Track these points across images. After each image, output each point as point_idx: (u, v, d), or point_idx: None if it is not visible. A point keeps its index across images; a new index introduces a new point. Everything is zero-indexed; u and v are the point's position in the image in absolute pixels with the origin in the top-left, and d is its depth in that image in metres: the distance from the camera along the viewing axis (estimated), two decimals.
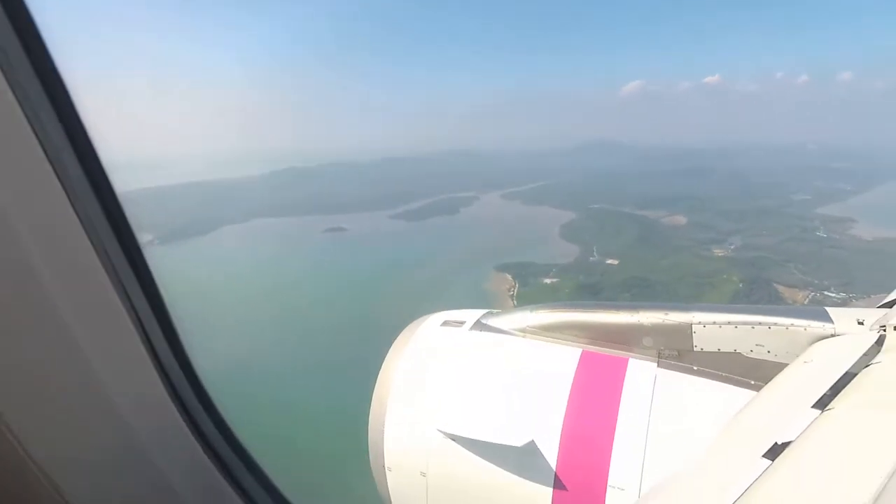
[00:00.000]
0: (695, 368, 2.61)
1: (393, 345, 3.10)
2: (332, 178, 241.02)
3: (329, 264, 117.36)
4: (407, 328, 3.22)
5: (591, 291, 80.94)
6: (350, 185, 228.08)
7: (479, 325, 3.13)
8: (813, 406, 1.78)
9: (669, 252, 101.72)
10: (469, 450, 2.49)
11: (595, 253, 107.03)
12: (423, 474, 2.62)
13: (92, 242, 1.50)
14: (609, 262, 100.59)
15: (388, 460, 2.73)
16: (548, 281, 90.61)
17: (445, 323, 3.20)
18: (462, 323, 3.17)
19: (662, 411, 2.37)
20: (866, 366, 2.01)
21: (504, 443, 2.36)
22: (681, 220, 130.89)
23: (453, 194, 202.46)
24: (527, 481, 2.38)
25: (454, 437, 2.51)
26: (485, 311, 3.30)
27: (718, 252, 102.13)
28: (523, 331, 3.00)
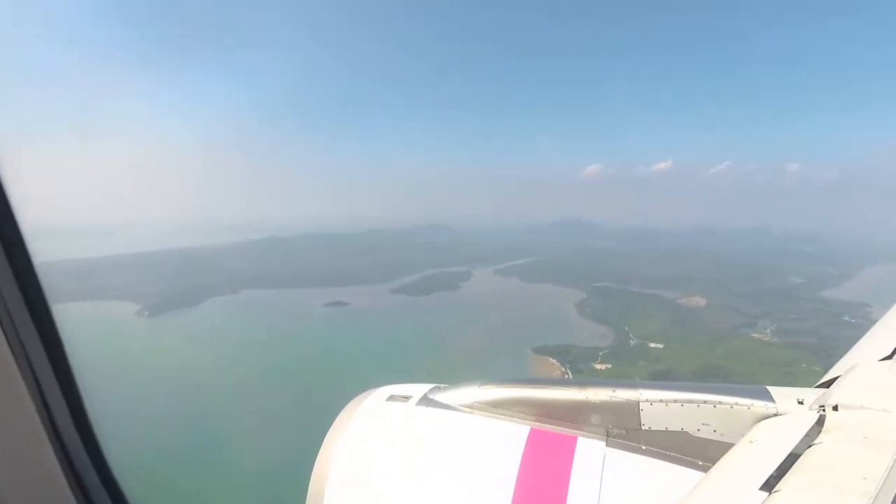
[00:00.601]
0: (643, 448, 2.59)
1: (335, 421, 2.97)
2: (314, 250, 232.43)
3: (340, 342, 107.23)
4: (351, 403, 3.10)
5: (662, 379, 74.94)
6: (335, 256, 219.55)
7: (425, 401, 3.04)
8: (760, 488, 1.80)
9: (711, 336, 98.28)
10: None
11: (632, 335, 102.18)
12: None
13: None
14: (653, 345, 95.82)
15: None
16: (599, 367, 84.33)
17: (391, 397, 3.11)
18: (408, 398, 3.08)
19: (612, 493, 2.32)
20: (809, 446, 2.04)
21: None
22: (700, 301, 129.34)
23: (444, 269, 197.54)
24: None
25: None
26: (431, 385, 3.20)
27: (761, 336, 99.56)
28: (470, 407, 2.93)
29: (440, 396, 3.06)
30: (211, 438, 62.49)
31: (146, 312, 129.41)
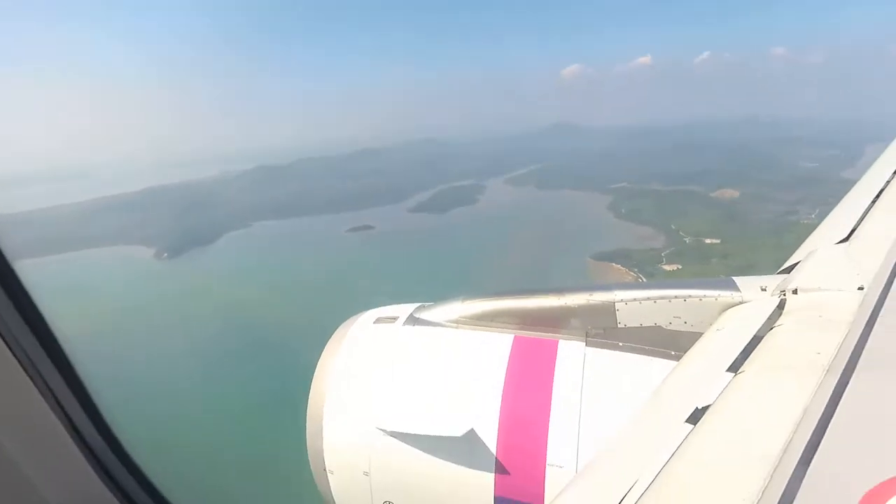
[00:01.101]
0: (620, 344, 2.71)
1: (326, 347, 3.04)
2: (310, 175, 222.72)
3: (379, 268, 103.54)
4: (339, 329, 3.16)
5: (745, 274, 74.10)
6: (334, 180, 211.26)
7: (412, 320, 3.10)
8: (727, 370, 1.94)
9: (763, 227, 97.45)
10: (410, 445, 2.52)
11: (682, 233, 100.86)
12: (366, 473, 2.63)
13: None
14: (708, 241, 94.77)
15: (329, 463, 2.73)
16: (668, 268, 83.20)
17: (378, 320, 3.16)
18: (395, 319, 3.14)
19: (593, 388, 2.48)
20: (770, 328, 2.20)
21: (444, 434, 2.44)
22: (732, 192, 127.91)
23: (451, 183, 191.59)
24: (469, 469, 2.46)
25: (394, 434, 2.54)
26: (416, 304, 3.25)
27: (809, 222, 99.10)
28: (456, 322, 3.02)
29: (426, 315, 3.11)
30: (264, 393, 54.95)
31: (165, 255, 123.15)
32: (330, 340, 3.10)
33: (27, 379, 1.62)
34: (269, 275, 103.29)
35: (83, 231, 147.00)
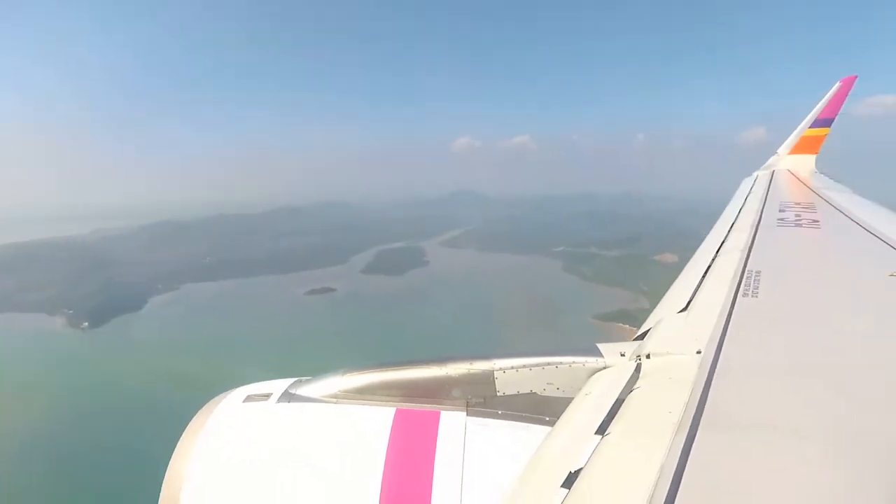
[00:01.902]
0: (499, 413, 2.77)
1: (188, 427, 2.76)
2: (224, 234, 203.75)
3: (364, 338, 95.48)
4: (203, 408, 2.90)
5: None
6: (254, 240, 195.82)
7: (286, 396, 2.92)
8: (595, 433, 2.07)
9: None
10: None
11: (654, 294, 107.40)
12: None
13: None
14: None
15: None
16: None
17: (249, 398, 2.94)
18: (268, 395, 2.94)
19: (474, 458, 2.50)
20: (630, 391, 2.37)
21: None
22: (672, 257, 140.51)
23: (387, 245, 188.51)
24: None
25: None
26: (292, 379, 3.07)
27: None
28: (335, 396, 2.90)
29: (302, 390, 2.95)
30: None
31: (85, 324, 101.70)
32: (193, 420, 2.81)
33: None
34: (237, 348, 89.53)
35: None
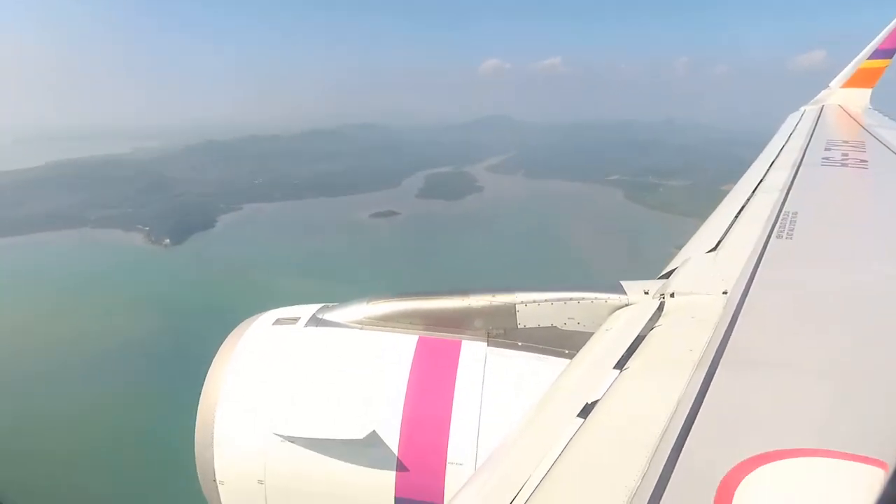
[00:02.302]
0: (519, 344, 2.84)
1: (219, 349, 2.88)
2: (268, 154, 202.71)
3: (434, 256, 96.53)
4: (235, 330, 3.01)
5: None
6: (298, 161, 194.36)
7: (314, 321, 3.03)
8: (614, 367, 2.10)
9: None
10: (309, 449, 2.48)
11: None
12: (261, 482, 2.55)
13: None
14: None
15: (220, 474, 2.59)
16: None
17: (278, 321, 3.06)
18: (296, 319, 3.05)
19: (493, 387, 2.57)
20: (651, 328, 2.40)
21: (344, 437, 2.42)
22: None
23: (434, 170, 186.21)
24: (370, 469, 2.47)
25: (292, 439, 2.48)
26: (319, 305, 3.17)
27: None
28: (360, 323, 3.00)
29: (329, 315, 3.05)
30: None
31: (167, 241, 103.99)
32: (224, 343, 2.91)
33: None
34: (309, 264, 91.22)
35: (24, 212, 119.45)
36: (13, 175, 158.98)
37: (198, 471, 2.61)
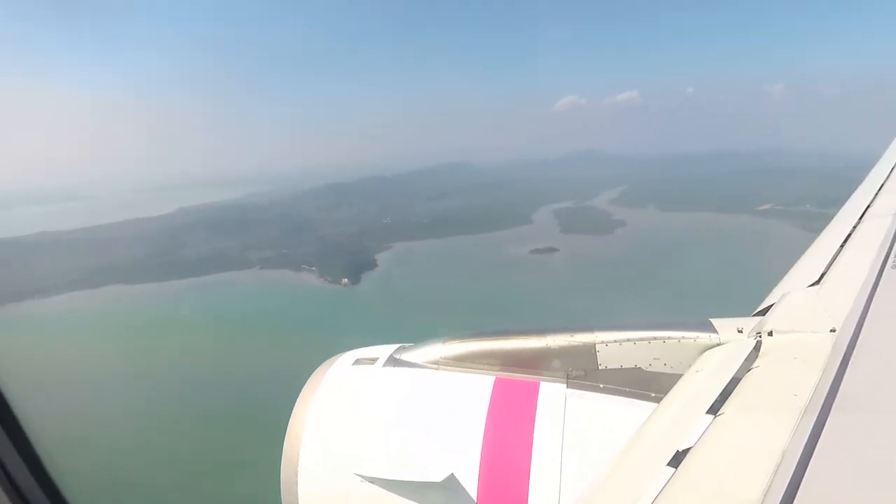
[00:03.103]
0: (601, 386, 2.72)
1: (303, 389, 2.95)
2: (386, 194, 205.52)
3: (623, 298, 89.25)
4: (317, 370, 3.08)
5: None
6: (413, 201, 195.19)
7: (392, 361, 3.06)
8: (707, 412, 1.95)
9: None
10: (389, 490, 2.48)
11: None
12: None
13: None
14: None
15: None
16: None
17: (357, 361, 3.12)
18: (375, 360, 3.09)
19: (574, 431, 2.48)
20: (748, 370, 2.24)
21: (423, 480, 2.41)
22: None
23: (557, 204, 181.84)
24: None
25: (373, 480, 2.49)
26: (397, 345, 3.23)
27: None
28: (437, 363, 2.98)
29: (406, 356, 3.07)
30: None
31: (345, 281, 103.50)
32: (307, 382, 2.97)
33: None
34: (494, 300, 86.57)
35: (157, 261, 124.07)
36: (154, 221, 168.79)
37: None
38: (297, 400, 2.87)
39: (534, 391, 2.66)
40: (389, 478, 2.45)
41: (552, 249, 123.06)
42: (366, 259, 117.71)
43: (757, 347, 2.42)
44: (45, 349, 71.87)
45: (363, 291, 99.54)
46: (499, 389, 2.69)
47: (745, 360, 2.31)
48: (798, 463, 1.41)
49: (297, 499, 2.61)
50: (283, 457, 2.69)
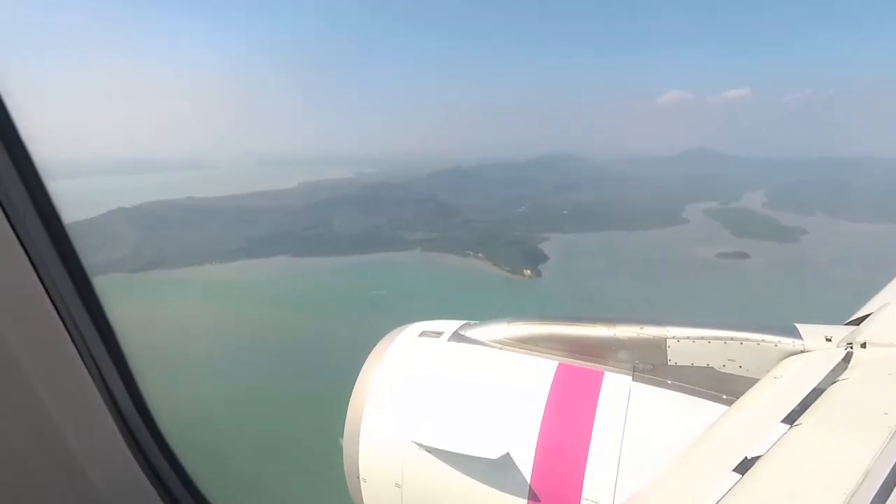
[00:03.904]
0: (669, 382, 2.64)
1: (370, 354, 3.03)
2: (505, 182, 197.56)
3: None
4: (384, 338, 3.14)
5: None
6: (540, 190, 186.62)
7: (456, 337, 3.08)
8: (782, 421, 1.83)
9: None
10: (444, 461, 2.50)
11: None
12: (398, 485, 2.62)
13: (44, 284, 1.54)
14: None
15: (363, 471, 2.72)
16: None
17: (423, 333, 3.14)
18: (440, 334, 3.11)
19: (636, 425, 2.41)
20: (833, 382, 2.05)
21: (479, 455, 2.38)
22: None
23: (702, 204, 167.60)
24: (501, 493, 2.41)
25: (430, 449, 2.51)
26: (462, 321, 3.23)
27: None
28: (500, 342, 2.98)
29: (471, 333, 3.07)
30: None
31: (527, 272, 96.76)
32: (374, 349, 3.03)
33: (77, 355, 1.69)
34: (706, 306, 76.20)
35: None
36: (274, 195, 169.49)
37: (344, 464, 2.75)
38: (364, 365, 2.90)
39: (597, 380, 2.59)
40: (445, 448, 2.42)
41: (743, 255, 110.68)
42: (532, 250, 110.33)
43: (847, 359, 2.23)
44: (226, 315, 71.36)
45: (546, 284, 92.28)
46: (561, 374, 2.65)
47: (832, 371, 2.14)
48: (882, 486, 1.29)
49: (357, 458, 2.66)
50: (346, 417, 2.74)
